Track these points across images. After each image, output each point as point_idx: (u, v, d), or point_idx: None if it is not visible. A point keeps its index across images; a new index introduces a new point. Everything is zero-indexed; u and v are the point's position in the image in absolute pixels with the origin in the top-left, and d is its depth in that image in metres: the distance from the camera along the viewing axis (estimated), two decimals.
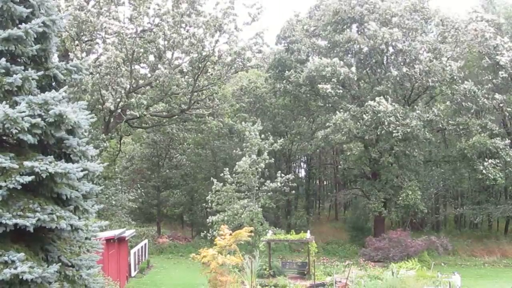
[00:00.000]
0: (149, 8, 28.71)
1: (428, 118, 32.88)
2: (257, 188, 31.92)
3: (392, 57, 36.51)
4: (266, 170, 33.67)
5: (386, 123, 31.95)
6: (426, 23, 35.34)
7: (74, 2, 26.15)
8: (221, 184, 31.76)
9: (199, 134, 42.12)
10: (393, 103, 32.84)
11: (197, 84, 32.09)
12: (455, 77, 32.99)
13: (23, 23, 10.29)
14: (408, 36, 34.38)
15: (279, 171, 33.28)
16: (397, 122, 31.87)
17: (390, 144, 33.63)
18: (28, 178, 9.66)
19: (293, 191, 35.22)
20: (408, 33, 34.44)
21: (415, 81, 33.91)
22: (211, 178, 33.23)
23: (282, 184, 31.92)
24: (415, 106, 34.48)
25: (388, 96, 33.33)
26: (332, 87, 33.50)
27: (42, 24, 10.44)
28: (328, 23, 36.95)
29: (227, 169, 32.09)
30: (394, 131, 31.76)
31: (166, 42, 30.02)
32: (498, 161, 32.50)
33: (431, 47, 34.19)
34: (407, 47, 33.54)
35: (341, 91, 34.80)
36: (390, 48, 34.92)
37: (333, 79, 33.78)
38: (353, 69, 34.93)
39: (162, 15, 28.73)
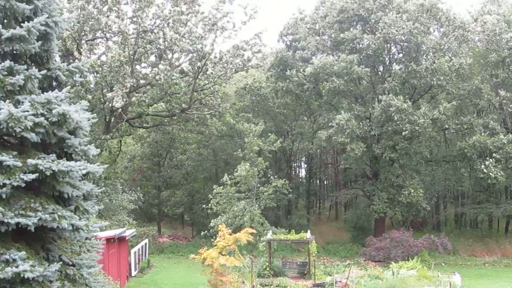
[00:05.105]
0: (150, 8, 28.69)
1: (434, 117, 32.75)
2: (257, 188, 31.97)
3: (401, 55, 36.08)
4: (270, 170, 33.66)
5: (395, 119, 31.88)
6: (436, 21, 34.92)
7: (78, 3, 26.08)
8: (221, 187, 31.77)
9: (199, 135, 42.12)
10: (406, 101, 32.77)
11: (197, 83, 32.09)
12: (461, 73, 32.76)
13: (25, 22, 10.29)
14: (418, 32, 33.86)
15: (270, 176, 33.16)
16: (406, 118, 31.76)
17: (394, 141, 33.55)
18: (32, 176, 9.68)
19: (290, 195, 35.24)
20: (419, 29, 33.91)
21: (420, 79, 33.46)
22: (212, 183, 33.26)
23: (280, 186, 31.95)
24: (421, 106, 34.17)
25: (392, 94, 33.13)
26: (343, 84, 33.47)
27: (45, 24, 10.47)
28: (334, 21, 36.40)
29: (226, 174, 32.08)
30: (403, 128, 31.70)
31: (166, 43, 30.02)
32: (500, 157, 32.29)
33: (438, 46, 33.97)
34: (418, 42, 33.31)
35: (352, 89, 34.62)
36: (403, 43, 34.31)
37: (345, 77, 33.69)
38: (367, 69, 34.59)
39: (163, 17, 28.72)
